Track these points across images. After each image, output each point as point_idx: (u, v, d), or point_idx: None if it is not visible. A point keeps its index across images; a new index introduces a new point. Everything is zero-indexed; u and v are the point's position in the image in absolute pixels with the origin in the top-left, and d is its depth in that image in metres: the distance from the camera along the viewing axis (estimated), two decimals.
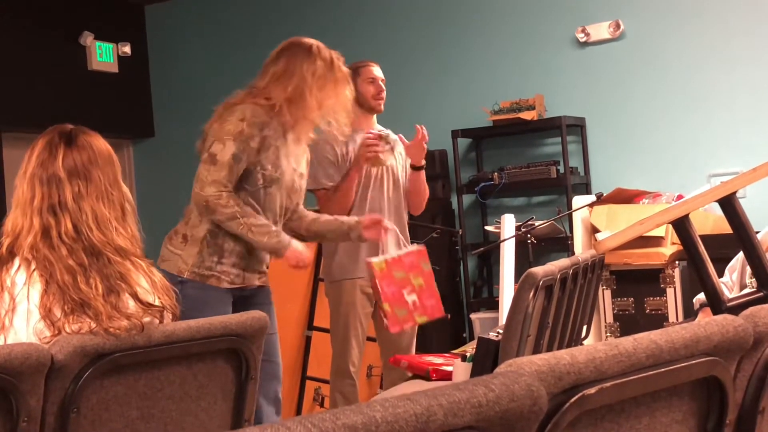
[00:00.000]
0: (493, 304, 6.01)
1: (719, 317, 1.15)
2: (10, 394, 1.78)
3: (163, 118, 8.07)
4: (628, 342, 1.04)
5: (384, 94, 4.28)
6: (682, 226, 2.21)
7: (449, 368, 3.52)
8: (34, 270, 2.02)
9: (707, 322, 1.13)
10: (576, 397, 0.96)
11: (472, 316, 6.36)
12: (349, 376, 4.20)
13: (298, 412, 5.11)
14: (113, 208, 2.16)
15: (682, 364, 1.08)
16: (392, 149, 4.16)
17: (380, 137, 4.12)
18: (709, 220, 5.18)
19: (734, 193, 2.22)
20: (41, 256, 2.04)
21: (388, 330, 3.62)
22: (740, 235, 2.20)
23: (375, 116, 4.35)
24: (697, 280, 2.25)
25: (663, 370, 1.06)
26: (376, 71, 4.29)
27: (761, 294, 2.13)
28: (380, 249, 4.21)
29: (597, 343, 1.04)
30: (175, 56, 8.04)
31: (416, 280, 3.59)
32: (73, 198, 2.12)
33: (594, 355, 1.00)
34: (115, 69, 7.75)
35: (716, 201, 2.24)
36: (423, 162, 4.25)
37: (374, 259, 3.60)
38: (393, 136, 4.29)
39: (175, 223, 3.51)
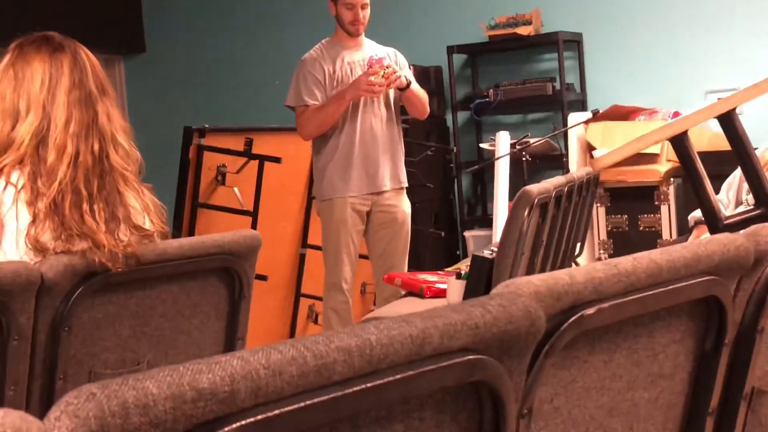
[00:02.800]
0: (486, 222, 6.01)
1: (720, 236, 1.13)
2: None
3: (155, 32, 7.84)
4: (628, 262, 1.02)
5: (363, 18, 4.18)
6: (680, 142, 2.18)
7: (443, 286, 3.53)
8: (22, 188, 1.95)
9: (708, 241, 1.11)
10: (574, 317, 0.94)
11: (466, 233, 6.37)
12: (341, 292, 4.21)
13: (292, 328, 5.14)
14: (124, 120, 2.10)
15: (682, 284, 1.06)
16: (389, 84, 4.10)
17: (383, 68, 4.08)
18: (705, 137, 5.14)
19: (734, 109, 2.18)
20: (49, 181, 1.93)
21: None
22: (739, 152, 2.17)
23: (363, 35, 4.28)
24: (695, 197, 2.22)
25: (662, 290, 1.03)
26: None
27: (759, 211, 2.11)
28: (372, 172, 4.20)
29: (596, 263, 1.02)
30: None
31: None
32: (107, 117, 2.03)
33: (593, 275, 0.98)
34: None
35: (716, 117, 2.20)
36: (405, 82, 4.19)
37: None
38: (391, 56, 4.27)
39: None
